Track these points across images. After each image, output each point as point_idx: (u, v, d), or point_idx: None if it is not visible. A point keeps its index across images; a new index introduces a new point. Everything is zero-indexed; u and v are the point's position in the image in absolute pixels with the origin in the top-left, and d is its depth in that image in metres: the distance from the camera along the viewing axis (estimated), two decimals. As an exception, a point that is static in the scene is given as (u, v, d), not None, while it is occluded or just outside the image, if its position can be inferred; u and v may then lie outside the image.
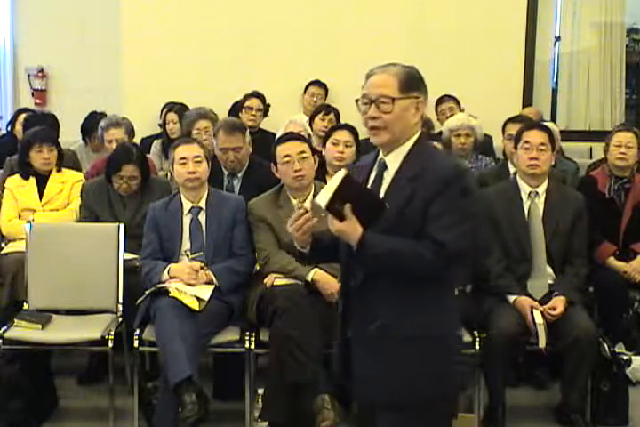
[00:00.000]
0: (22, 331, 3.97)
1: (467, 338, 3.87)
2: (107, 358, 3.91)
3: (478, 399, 3.93)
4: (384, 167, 2.52)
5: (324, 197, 2.39)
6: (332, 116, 5.74)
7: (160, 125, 6.30)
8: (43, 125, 5.34)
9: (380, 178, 2.52)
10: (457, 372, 2.55)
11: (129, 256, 4.26)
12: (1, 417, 3.86)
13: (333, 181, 2.39)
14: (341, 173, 2.40)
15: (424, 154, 2.50)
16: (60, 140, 5.10)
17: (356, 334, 2.51)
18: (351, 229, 2.39)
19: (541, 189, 4.13)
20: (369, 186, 2.53)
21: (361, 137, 4.83)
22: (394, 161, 2.50)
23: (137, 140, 5.63)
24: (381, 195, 2.48)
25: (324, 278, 3.85)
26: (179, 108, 6.10)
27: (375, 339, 2.45)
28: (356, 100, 2.53)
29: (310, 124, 5.64)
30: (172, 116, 6.03)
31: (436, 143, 4.19)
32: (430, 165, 2.45)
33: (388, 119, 2.46)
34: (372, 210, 2.41)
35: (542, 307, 3.90)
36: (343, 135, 4.62)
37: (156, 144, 6.04)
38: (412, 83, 2.48)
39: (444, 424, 2.58)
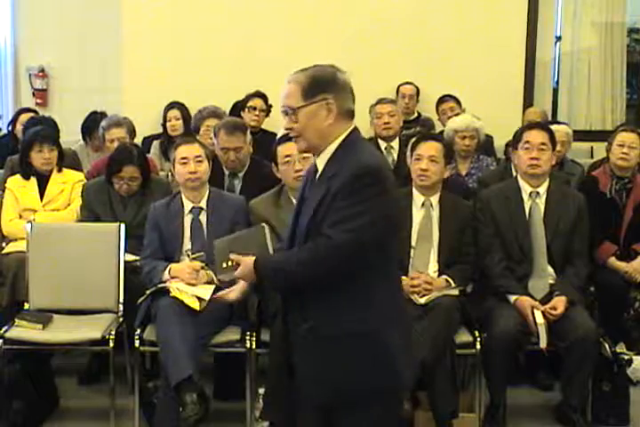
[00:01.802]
0: (23, 331, 3.96)
1: (467, 338, 3.88)
2: (107, 358, 3.91)
3: (478, 399, 3.93)
4: (315, 170, 2.55)
5: (217, 273, 2.72)
6: None
7: (163, 125, 6.30)
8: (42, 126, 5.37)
9: (311, 181, 2.56)
10: (396, 366, 2.51)
11: (130, 258, 4.25)
12: (1, 417, 3.86)
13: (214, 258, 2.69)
14: (213, 245, 2.72)
15: (346, 152, 2.49)
16: (60, 140, 5.11)
17: (292, 333, 2.56)
18: (244, 267, 2.53)
19: (542, 189, 4.13)
20: (307, 189, 2.57)
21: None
22: (320, 163, 2.53)
23: (137, 139, 5.63)
24: (308, 196, 2.54)
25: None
26: (181, 106, 6.10)
27: (308, 339, 2.49)
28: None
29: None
30: (175, 112, 6.03)
31: (436, 143, 4.16)
32: (347, 163, 2.45)
33: (297, 128, 2.50)
34: (257, 239, 2.58)
35: (543, 307, 3.90)
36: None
37: (155, 145, 6.04)
38: (317, 86, 2.48)
39: (393, 419, 2.59)
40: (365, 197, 2.40)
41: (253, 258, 2.51)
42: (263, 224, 2.54)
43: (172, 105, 6.15)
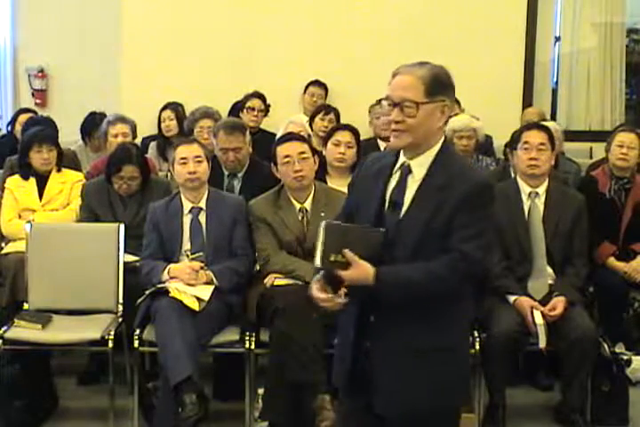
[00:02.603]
0: (22, 331, 3.96)
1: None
2: (107, 359, 3.91)
3: (478, 399, 3.93)
4: (408, 171, 2.45)
5: (317, 257, 2.36)
6: (332, 115, 5.74)
7: (158, 127, 6.29)
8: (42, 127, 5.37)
9: (403, 182, 2.45)
10: (468, 382, 2.58)
11: (129, 259, 4.25)
12: (1, 417, 3.86)
13: (319, 237, 2.36)
14: (322, 226, 2.37)
15: (451, 161, 2.45)
16: (59, 140, 5.11)
17: (376, 348, 2.47)
18: (360, 273, 2.36)
19: (541, 190, 4.13)
20: (389, 190, 2.47)
21: (362, 138, 4.84)
22: (419, 166, 2.44)
23: (137, 140, 5.63)
24: (406, 201, 2.43)
25: (325, 278, 3.84)
26: (174, 106, 6.09)
27: (400, 354, 2.43)
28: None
29: (310, 125, 5.65)
30: (168, 113, 6.03)
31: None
32: (460, 175, 2.40)
33: (411, 123, 2.39)
34: (370, 242, 2.38)
35: (542, 308, 3.90)
36: (344, 136, 4.62)
37: (152, 146, 6.03)
38: (439, 86, 2.41)
39: None
40: (487, 213, 2.42)
41: (369, 265, 2.35)
42: (383, 229, 2.38)
43: (165, 106, 6.14)
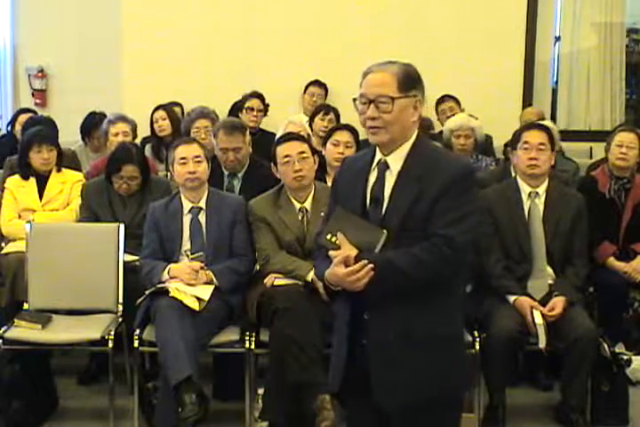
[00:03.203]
0: (22, 331, 3.96)
1: (467, 338, 3.87)
2: (107, 358, 3.91)
3: (478, 399, 3.93)
4: (385, 167, 2.49)
5: (321, 235, 2.51)
6: (331, 115, 5.74)
7: (151, 128, 6.26)
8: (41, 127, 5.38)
9: (382, 178, 2.49)
10: (467, 369, 2.59)
11: (129, 258, 4.25)
12: (1, 417, 3.86)
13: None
14: (336, 210, 2.52)
15: (427, 152, 2.49)
16: (59, 140, 5.11)
17: (373, 343, 2.47)
18: (345, 254, 2.40)
19: (541, 190, 4.13)
20: (369, 186, 2.50)
21: (361, 137, 4.82)
22: (396, 161, 2.47)
23: (137, 140, 5.63)
24: (386, 195, 2.46)
25: (324, 278, 3.84)
26: (166, 107, 6.08)
27: (398, 345, 2.43)
28: (354, 100, 2.51)
29: (310, 125, 5.64)
30: (161, 113, 6.00)
31: (435, 143, 4.18)
32: (437, 164, 2.43)
33: (387, 119, 2.43)
34: (367, 237, 2.44)
35: (542, 308, 3.90)
36: (343, 136, 4.62)
37: (148, 148, 6.00)
38: (411, 82, 2.46)
39: (458, 420, 2.62)
40: (471, 197, 2.44)
41: (353, 250, 2.41)
42: (385, 231, 2.41)
43: (157, 107, 6.11)
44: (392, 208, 2.44)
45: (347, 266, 2.39)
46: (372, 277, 2.38)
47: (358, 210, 2.49)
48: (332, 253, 2.45)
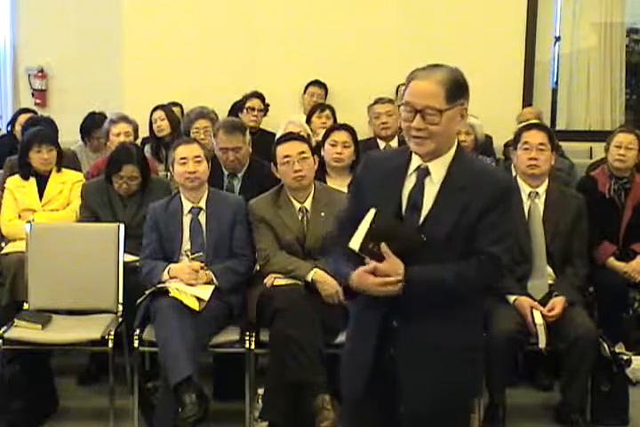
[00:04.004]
0: (22, 331, 3.96)
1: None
2: (107, 359, 3.91)
3: (478, 399, 3.92)
4: (426, 173, 2.43)
5: (356, 240, 2.35)
6: (327, 112, 5.77)
7: (150, 129, 6.26)
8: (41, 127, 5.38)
9: (421, 184, 2.43)
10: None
11: (129, 258, 4.25)
12: (1, 417, 3.86)
13: (364, 222, 2.35)
14: (371, 213, 2.35)
15: (469, 162, 2.45)
16: (59, 140, 5.11)
17: (402, 352, 2.46)
18: (391, 269, 2.36)
19: (541, 190, 4.13)
20: (406, 193, 2.44)
21: (360, 137, 4.83)
22: (438, 168, 2.42)
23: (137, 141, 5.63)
24: (426, 203, 2.41)
25: (324, 279, 3.85)
26: (165, 107, 6.08)
27: (430, 357, 2.43)
28: (399, 106, 2.47)
29: (309, 124, 5.64)
30: (159, 113, 6.00)
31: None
32: (482, 176, 2.40)
33: (434, 131, 2.36)
34: (410, 244, 2.37)
35: (542, 308, 3.90)
36: (341, 136, 4.61)
37: (147, 149, 6.00)
38: (459, 90, 2.39)
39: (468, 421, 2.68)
40: (511, 213, 2.44)
41: (401, 264, 2.36)
42: (425, 238, 2.35)
43: (156, 107, 6.11)
44: (434, 217, 2.39)
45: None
46: (418, 292, 2.37)
47: (391, 214, 2.44)
48: (378, 265, 2.37)
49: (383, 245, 2.35)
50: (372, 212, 2.37)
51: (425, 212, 2.41)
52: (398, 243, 2.36)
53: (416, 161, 2.45)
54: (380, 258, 2.36)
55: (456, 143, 2.45)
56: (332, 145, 4.61)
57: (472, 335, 2.52)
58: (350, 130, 4.67)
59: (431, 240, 2.37)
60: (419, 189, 2.43)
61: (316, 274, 3.86)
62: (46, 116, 6.00)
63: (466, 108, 2.42)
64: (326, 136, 4.68)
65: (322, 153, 4.65)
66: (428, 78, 2.37)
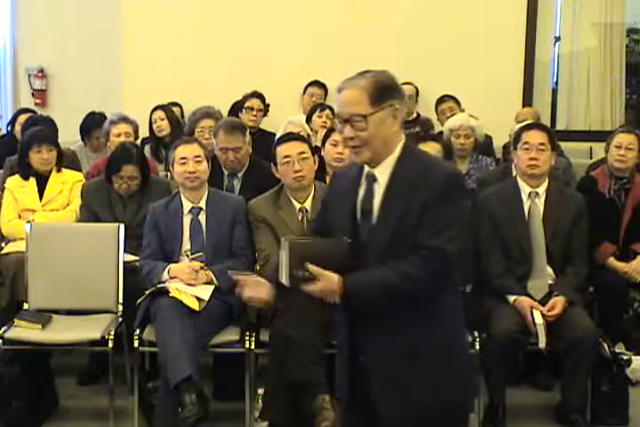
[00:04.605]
0: (22, 331, 3.97)
1: (467, 338, 3.87)
2: (107, 359, 3.91)
3: (478, 399, 3.92)
4: (373, 180, 2.45)
5: (284, 275, 2.36)
6: (327, 111, 5.77)
7: (150, 129, 6.26)
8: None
9: (370, 191, 2.45)
10: (474, 379, 2.59)
11: (129, 258, 4.25)
12: (1, 417, 3.86)
13: (283, 255, 2.36)
14: (284, 244, 2.37)
15: (414, 162, 2.43)
16: (59, 140, 5.11)
17: (368, 353, 2.46)
18: (326, 284, 2.36)
19: (541, 190, 4.13)
20: (359, 200, 2.46)
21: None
22: (382, 173, 2.43)
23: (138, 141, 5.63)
24: (375, 208, 2.42)
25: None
26: (165, 107, 6.08)
27: (391, 357, 2.42)
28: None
29: (309, 124, 5.64)
30: (159, 113, 5.99)
31: (435, 144, 4.18)
32: (425, 174, 2.39)
33: (364, 137, 2.37)
34: (334, 253, 2.38)
35: (542, 308, 3.90)
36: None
37: (147, 149, 6.00)
38: (384, 92, 2.38)
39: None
40: (456, 202, 2.38)
41: (335, 274, 2.35)
42: (346, 238, 2.37)
43: (156, 107, 6.11)
44: (382, 220, 2.41)
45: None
46: (360, 297, 2.36)
47: (349, 223, 2.46)
48: (310, 289, 2.37)
49: (310, 266, 2.35)
50: (285, 243, 2.38)
51: (374, 216, 2.43)
52: (321, 258, 2.36)
53: (366, 169, 2.48)
54: (314, 280, 2.36)
55: (400, 145, 2.44)
56: (334, 145, 4.61)
57: (444, 337, 2.44)
58: None
59: (378, 244, 2.38)
60: (368, 195, 2.45)
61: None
62: (46, 116, 6.00)
63: (397, 108, 2.41)
64: (327, 136, 4.68)
65: (322, 153, 4.65)
66: (350, 86, 2.40)
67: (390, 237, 2.37)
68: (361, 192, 2.48)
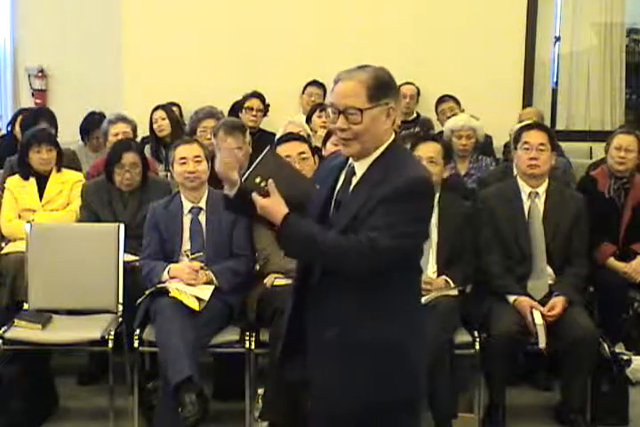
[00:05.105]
0: (22, 331, 3.96)
1: (467, 338, 3.88)
2: (107, 359, 3.91)
3: (478, 399, 3.93)
4: (352, 172, 2.47)
5: (247, 172, 2.38)
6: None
7: (150, 128, 6.26)
8: (40, 122, 5.39)
9: (347, 183, 2.47)
10: (418, 377, 2.51)
11: (129, 258, 4.25)
12: (1, 417, 3.86)
13: (257, 160, 2.38)
14: (265, 151, 2.39)
15: (391, 160, 2.43)
16: (59, 140, 5.11)
17: (312, 337, 2.47)
18: (274, 206, 2.39)
19: (541, 190, 4.14)
20: (337, 189, 2.49)
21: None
22: (362, 167, 2.45)
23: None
24: (347, 199, 2.44)
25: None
26: (166, 107, 6.09)
27: (332, 345, 2.42)
28: (322, 109, 2.49)
29: (308, 124, 5.64)
30: (160, 113, 6.00)
31: (435, 144, 4.18)
32: (393, 173, 2.39)
33: (357, 130, 2.38)
34: (298, 188, 2.40)
35: (542, 308, 3.90)
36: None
37: (147, 149, 6.00)
38: (382, 89, 2.39)
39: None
40: (415, 207, 2.37)
41: (285, 207, 2.39)
42: (316, 186, 2.39)
43: (156, 107, 6.12)
44: (343, 209, 2.44)
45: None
46: (288, 241, 2.40)
47: (318, 210, 2.48)
48: (258, 199, 2.40)
49: (271, 182, 2.38)
50: (268, 151, 2.41)
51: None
52: (284, 183, 2.38)
53: (351, 160, 2.50)
54: (266, 195, 2.40)
55: (388, 142, 2.45)
56: (335, 145, 4.60)
57: (392, 335, 2.41)
58: None
59: (335, 228, 2.40)
60: (345, 187, 2.47)
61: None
62: (46, 108, 5.99)
63: (392, 107, 2.41)
64: (329, 136, 4.67)
65: (323, 153, 4.65)
66: (350, 79, 2.40)
67: (345, 225, 2.39)
68: (340, 182, 2.50)
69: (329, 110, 2.45)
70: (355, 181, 2.46)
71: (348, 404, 2.44)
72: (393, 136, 2.48)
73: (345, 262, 2.37)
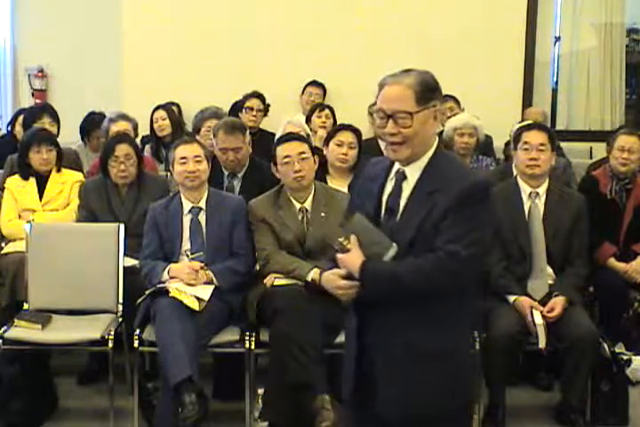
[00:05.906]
0: (22, 331, 3.96)
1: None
2: (107, 358, 3.91)
3: (478, 399, 3.92)
4: (403, 177, 2.46)
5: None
6: (327, 111, 5.79)
7: (150, 128, 6.27)
8: (44, 117, 5.46)
9: (398, 189, 2.46)
10: (472, 384, 2.60)
11: (129, 262, 4.25)
12: (1, 417, 3.86)
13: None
14: (354, 218, 2.47)
15: (445, 165, 2.44)
16: (59, 140, 5.11)
17: (378, 351, 2.47)
18: (352, 258, 2.42)
19: (542, 190, 4.14)
20: (385, 196, 2.48)
21: (363, 137, 4.84)
22: (413, 172, 2.44)
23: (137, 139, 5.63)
24: (401, 206, 2.44)
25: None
26: (166, 106, 6.09)
27: (400, 357, 2.42)
28: (370, 113, 2.49)
29: (308, 124, 5.64)
30: (161, 113, 6.01)
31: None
32: (452, 178, 2.39)
33: (407, 134, 2.39)
34: (378, 248, 2.41)
35: (542, 308, 3.90)
36: (347, 137, 4.61)
37: (147, 149, 6.01)
38: (429, 92, 2.41)
39: None
40: (479, 212, 2.38)
41: (362, 256, 2.42)
42: (395, 246, 2.40)
43: (157, 106, 6.13)
44: (404, 222, 2.42)
45: (346, 278, 2.44)
46: (374, 284, 2.40)
47: (370, 217, 2.48)
48: (339, 255, 2.46)
49: (352, 238, 2.43)
50: (354, 217, 2.48)
51: (398, 216, 2.45)
52: (366, 242, 2.43)
53: (397, 165, 2.49)
54: (348, 251, 2.45)
55: (435, 146, 2.46)
56: (338, 145, 4.61)
57: (452, 342, 2.45)
58: (356, 131, 4.68)
59: (400, 243, 2.40)
60: (396, 193, 2.47)
61: (317, 273, 3.85)
62: (49, 105, 5.99)
63: (439, 109, 2.44)
64: (332, 136, 4.67)
65: (325, 152, 4.65)
66: (397, 83, 2.41)
67: (411, 238, 2.39)
68: (388, 188, 2.49)
69: (375, 115, 2.45)
70: (406, 186, 2.45)
71: (424, 411, 2.45)
72: (437, 141, 2.48)
73: (434, 284, 2.37)
